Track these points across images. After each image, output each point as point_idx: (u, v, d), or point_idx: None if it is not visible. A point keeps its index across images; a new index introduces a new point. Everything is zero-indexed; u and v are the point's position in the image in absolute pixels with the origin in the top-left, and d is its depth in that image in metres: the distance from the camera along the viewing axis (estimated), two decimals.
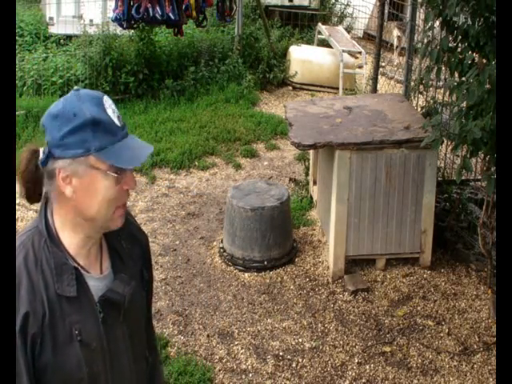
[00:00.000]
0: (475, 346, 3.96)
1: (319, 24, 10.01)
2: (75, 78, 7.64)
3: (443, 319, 4.20)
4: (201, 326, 4.13)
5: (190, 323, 4.17)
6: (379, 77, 6.30)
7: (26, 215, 5.31)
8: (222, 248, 4.91)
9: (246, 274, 4.68)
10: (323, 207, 5.07)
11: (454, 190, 5.13)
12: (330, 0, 11.56)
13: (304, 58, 9.12)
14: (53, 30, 9.46)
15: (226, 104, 7.91)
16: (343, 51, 8.71)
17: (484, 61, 3.23)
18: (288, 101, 8.13)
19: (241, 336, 4.05)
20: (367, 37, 11.46)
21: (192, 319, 4.21)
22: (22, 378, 1.50)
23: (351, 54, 9.49)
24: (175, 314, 4.25)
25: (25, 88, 7.48)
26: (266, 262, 4.70)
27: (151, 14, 6.89)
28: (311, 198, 5.66)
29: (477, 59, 3.50)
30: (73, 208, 1.59)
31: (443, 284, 4.54)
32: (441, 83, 5.47)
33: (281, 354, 3.91)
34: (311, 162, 5.70)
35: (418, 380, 3.71)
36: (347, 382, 3.71)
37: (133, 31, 7.88)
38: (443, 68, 3.82)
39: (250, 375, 3.74)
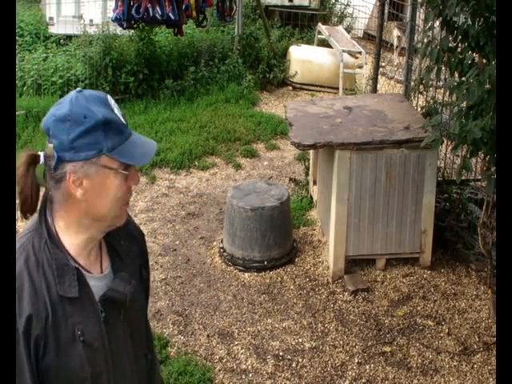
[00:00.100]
0: (475, 346, 3.96)
1: (319, 24, 10.01)
2: (75, 77, 7.64)
3: (443, 319, 4.20)
4: (201, 326, 4.14)
5: (190, 323, 4.17)
6: (379, 77, 6.30)
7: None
8: (222, 248, 4.91)
9: (246, 274, 4.68)
10: (323, 207, 5.07)
11: (454, 190, 5.13)
12: (330, 0, 11.56)
13: (304, 58, 9.12)
14: (53, 29, 9.46)
15: (225, 104, 7.91)
16: (343, 51, 8.71)
17: (484, 61, 3.23)
18: (288, 101, 8.13)
19: (241, 336, 4.05)
20: (367, 37, 11.46)
21: (192, 319, 4.21)
22: (26, 381, 1.50)
23: (351, 54, 9.49)
24: (175, 314, 4.25)
25: (25, 88, 7.48)
26: (266, 262, 4.70)
27: (151, 14, 6.89)
28: (311, 198, 5.66)
29: (477, 59, 3.50)
30: (82, 209, 1.59)
31: (443, 284, 4.54)
32: (441, 83, 5.47)
33: (281, 354, 3.91)
34: (311, 161, 5.70)
35: (418, 380, 3.71)
36: (347, 382, 3.71)
37: (133, 31, 7.88)
38: (443, 68, 3.82)
39: (250, 375, 3.74)
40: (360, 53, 9.15)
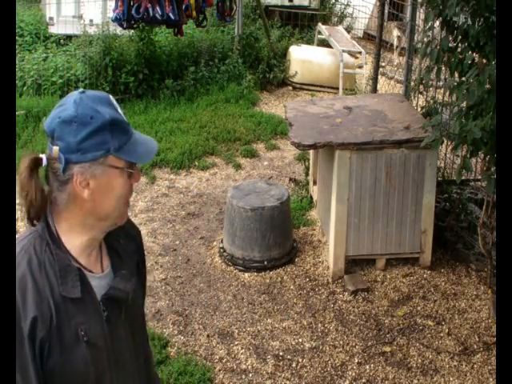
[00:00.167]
0: (475, 346, 3.96)
1: (319, 24, 10.01)
2: (75, 77, 7.64)
3: (443, 319, 4.20)
4: (201, 326, 4.14)
5: (190, 323, 4.17)
6: (379, 77, 6.30)
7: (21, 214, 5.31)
8: (222, 248, 4.91)
9: (246, 274, 4.68)
10: (323, 207, 5.07)
11: (454, 190, 5.13)
12: (330, 0, 11.56)
13: (304, 58, 9.13)
14: (53, 29, 9.46)
15: (225, 104, 7.91)
16: (343, 51, 8.71)
17: (484, 61, 3.23)
18: (288, 101, 8.13)
19: (241, 336, 4.05)
20: (367, 37, 11.46)
21: (192, 319, 4.21)
22: (32, 383, 1.50)
23: (351, 54, 9.49)
24: (175, 314, 4.25)
25: (25, 88, 7.48)
26: (266, 262, 4.70)
27: (151, 14, 6.89)
28: (311, 197, 5.66)
29: (477, 59, 3.50)
30: (87, 210, 1.60)
31: (443, 284, 4.54)
32: (441, 83, 5.47)
33: (281, 354, 3.91)
34: (311, 161, 5.70)
35: (418, 380, 3.71)
36: (347, 382, 3.71)
37: (133, 31, 7.88)
38: (443, 68, 3.82)
39: (250, 375, 3.74)
40: (360, 53, 9.15)
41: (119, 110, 1.61)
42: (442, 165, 5.37)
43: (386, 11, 9.13)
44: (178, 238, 5.17)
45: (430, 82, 5.18)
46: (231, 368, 3.80)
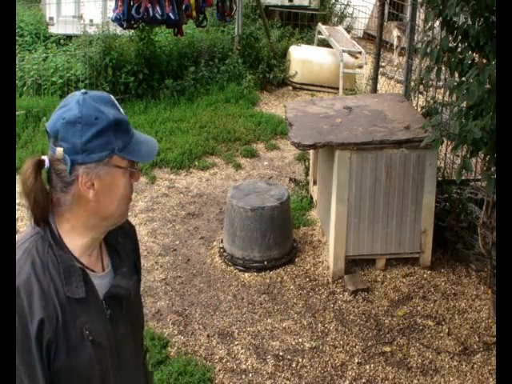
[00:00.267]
0: (475, 346, 3.96)
1: (319, 24, 10.01)
2: (75, 77, 7.64)
3: (443, 319, 4.20)
4: (201, 326, 4.14)
5: (190, 323, 4.17)
6: (379, 77, 6.30)
7: (26, 215, 5.31)
8: (222, 248, 4.91)
9: (246, 274, 4.68)
10: (323, 207, 5.07)
11: (454, 190, 5.13)
12: (330, 0, 11.56)
13: (304, 58, 9.13)
14: (53, 30, 9.46)
15: (225, 104, 7.91)
16: (343, 51, 8.71)
17: (484, 61, 3.23)
18: (288, 101, 8.13)
19: (241, 336, 4.05)
20: (367, 37, 11.46)
21: (192, 319, 4.21)
22: None
23: (351, 54, 9.49)
24: (175, 314, 4.25)
25: (25, 88, 7.48)
26: (266, 262, 4.70)
27: (151, 14, 6.89)
28: (311, 197, 5.66)
29: (477, 59, 3.50)
30: (91, 210, 1.60)
31: (443, 284, 4.54)
32: (441, 83, 5.47)
33: (281, 354, 3.91)
34: (311, 161, 5.70)
35: (418, 380, 3.71)
36: (347, 382, 3.71)
37: (133, 31, 7.88)
38: (443, 68, 3.82)
39: (250, 375, 3.74)
40: (360, 53, 9.15)
41: (121, 110, 1.62)
42: (442, 165, 5.37)
43: (386, 11, 9.13)
44: (177, 237, 5.17)
45: (430, 82, 5.18)
46: (231, 368, 3.80)
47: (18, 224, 5.07)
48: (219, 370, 3.77)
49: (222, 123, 7.33)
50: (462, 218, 4.95)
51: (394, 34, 9.96)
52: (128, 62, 7.81)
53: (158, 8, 6.89)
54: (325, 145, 4.39)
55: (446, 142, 4.42)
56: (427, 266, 4.66)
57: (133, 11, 6.84)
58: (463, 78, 3.51)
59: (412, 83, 5.55)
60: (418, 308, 4.30)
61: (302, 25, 10.63)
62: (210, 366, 3.79)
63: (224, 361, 3.85)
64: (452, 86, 3.55)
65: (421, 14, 5.80)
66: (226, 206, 4.86)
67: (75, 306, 1.57)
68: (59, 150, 1.54)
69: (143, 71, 7.84)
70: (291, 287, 4.53)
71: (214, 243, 5.09)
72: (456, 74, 3.71)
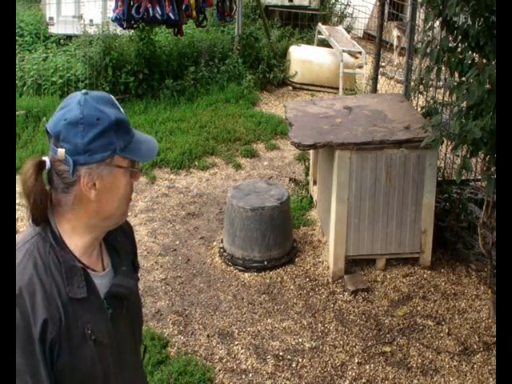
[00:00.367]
0: (475, 346, 3.96)
1: (319, 24, 10.01)
2: (75, 77, 7.64)
3: (443, 319, 4.20)
4: (201, 326, 4.14)
5: (190, 323, 4.17)
6: (379, 77, 6.30)
7: (26, 215, 5.31)
8: (222, 248, 4.91)
9: (246, 274, 4.68)
10: (323, 207, 5.07)
11: (454, 190, 5.13)
12: (330, 0, 11.56)
13: (304, 58, 9.13)
14: (53, 30, 9.46)
15: (225, 104, 7.91)
16: (343, 51, 8.71)
17: (484, 61, 3.23)
18: (288, 101, 8.13)
19: (241, 336, 4.05)
20: (367, 37, 11.46)
21: (192, 319, 4.21)
22: None
23: (351, 54, 9.49)
24: (175, 314, 4.25)
25: (25, 88, 7.48)
26: (266, 262, 4.70)
27: (151, 14, 6.89)
28: (311, 197, 5.66)
29: (477, 59, 3.50)
30: (92, 210, 1.61)
31: (443, 284, 4.54)
32: (441, 83, 5.47)
33: (281, 354, 3.91)
34: (311, 161, 5.70)
35: (418, 380, 3.71)
36: (347, 382, 3.71)
37: (133, 31, 7.88)
38: (443, 68, 3.82)
39: (250, 375, 3.74)
40: (360, 53, 9.15)
41: (122, 110, 1.63)
42: (442, 165, 5.37)
43: (386, 11, 9.14)
44: (177, 237, 5.17)
45: (430, 82, 5.18)
46: (231, 368, 3.80)
47: (18, 224, 5.07)
48: (219, 370, 3.77)
49: (222, 123, 7.33)
50: (462, 217, 4.95)
51: (393, 33, 9.96)
52: (128, 62, 7.81)
53: (157, 8, 6.89)
54: (325, 145, 4.39)
55: (446, 141, 4.43)
56: (427, 265, 4.66)
57: (133, 11, 6.84)
58: (463, 78, 3.51)
59: (412, 83, 5.55)
60: (418, 308, 4.30)
61: (302, 25, 10.63)
62: (210, 366, 3.79)
63: (224, 361, 3.85)
64: (452, 86, 3.55)
65: (421, 14, 5.80)
66: (226, 206, 4.86)
67: (77, 305, 1.57)
68: (61, 151, 1.54)
69: (143, 71, 7.84)
70: (291, 287, 4.53)
71: (214, 243, 5.09)
72: (456, 74, 3.71)
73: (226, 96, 8.05)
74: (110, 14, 7.59)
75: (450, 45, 3.66)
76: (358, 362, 3.84)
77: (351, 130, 4.53)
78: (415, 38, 5.53)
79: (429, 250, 4.62)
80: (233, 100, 8.01)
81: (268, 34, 9.15)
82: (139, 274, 1.94)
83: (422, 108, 5.02)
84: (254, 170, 6.48)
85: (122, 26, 7.19)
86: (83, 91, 1.60)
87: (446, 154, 5.36)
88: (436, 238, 4.66)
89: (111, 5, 7.87)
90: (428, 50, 3.67)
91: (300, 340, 4.02)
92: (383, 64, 8.61)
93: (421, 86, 5.31)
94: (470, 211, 4.99)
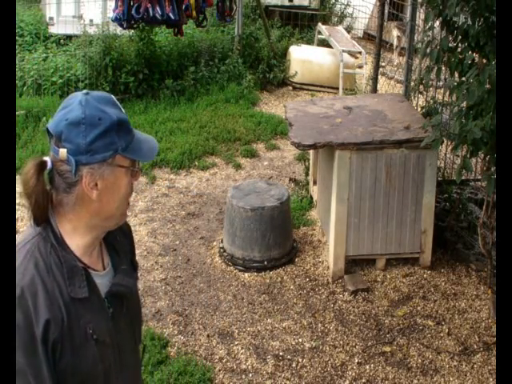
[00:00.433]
0: (475, 346, 3.96)
1: (319, 24, 10.01)
2: (75, 77, 7.64)
3: (443, 319, 4.20)
4: (201, 326, 4.14)
5: (190, 323, 4.17)
6: (379, 77, 6.30)
7: (26, 215, 5.31)
8: (222, 248, 4.91)
9: (246, 274, 4.68)
10: (323, 207, 5.07)
11: (454, 190, 5.13)
12: (330, 0, 11.56)
13: (304, 58, 9.13)
14: (53, 30, 9.46)
15: (225, 104, 7.91)
16: (343, 51, 8.71)
17: (484, 61, 3.23)
18: (288, 101, 8.13)
19: (241, 336, 4.05)
20: (367, 37, 11.46)
21: (192, 319, 4.21)
22: None
23: (351, 54, 9.49)
24: (175, 314, 4.25)
25: (25, 88, 7.48)
26: (266, 262, 4.70)
27: (151, 14, 6.89)
28: (311, 197, 5.66)
29: (477, 59, 3.50)
30: (93, 210, 1.61)
31: (443, 284, 4.54)
32: (441, 83, 5.47)
33: (281, 354, 3.91)
34: (311, 161, 5.70)
35: (418, 380, 3.71)
36: (347, 382, 3.71)
37: (133, 31, 7.88)
38: (443, 68, 3.82)
39: (250, 375, 3.74)
40: (360, 53, 9.15)
41: (123, 110, 1.63)
42: (442, 165, 5.37)
43: (386, 11, 9.14)
44: (177, 238, 5.17)
45: (430, 82, 5.18)
46: (231, 368, 3.80)
47: (18, 224, 5.07)
48: (219, 370, 3.77)
49: (222, 123, 7.33)
50: (462, 218, 4.95)
51: (393, 33, 9.96)
52: (128, 62, 7.81)
53: (157, 8, 6.89)
54: (325, 145, 4.39)
55: (446, 141, 4.43)
56: (427, 265, 4.66)
57: (133, 11, 6.84)
58: (463, 78, 3.51)
59: (412, 83, 5.55)
60: (418, 308, 4.30)
61: (302, 25, 10.63)
62: (210, 365, 3.79)
63: (224, 361, 3.85)
64: (452, 86, 3.55)
65: (421, 14, 5.80)
66: (226, 206, 4.86)
67: (79, 305, 1.58)
68: (62, 151, 1.54)
69: (143, 71, 7.84)
70: (291, 287, 4.53)
71: (214, 243, 5.09)
72: (456, 74, 3.71)
73: (226, 96, 8.05)
74: (110, 14, 7.59)
75: (450, 45, 3.66)
76: (357, 362, 3.84)
77: (351, 130, 4.53)
78: (415, 38, 5.53)
79: (429, 249, 4.62)
80: (233, 100, 8.01)
81: (268, 33, 9.15)
82: (139, 274, 1.95)
83: (422, 108, 5.02)
84: (254, 169, 6.48)
85: (122, 26, 7.19)
86: (84, 91, 1.60)
87: (445, 154, 5.36)
88: (436, 238, 4.66)
89: (111, 5, 7.87)
90: (428, 50, 3.67)
91: (300, 340, 4.02)
92: (383, 64, 8.61)
93: (421, 86, 5.31)
94: (470, 211, 4.99)
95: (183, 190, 5.98)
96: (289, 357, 3.88)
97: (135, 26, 7.45)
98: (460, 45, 3.68)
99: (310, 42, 10.18)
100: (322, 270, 4.70)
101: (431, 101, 4.99)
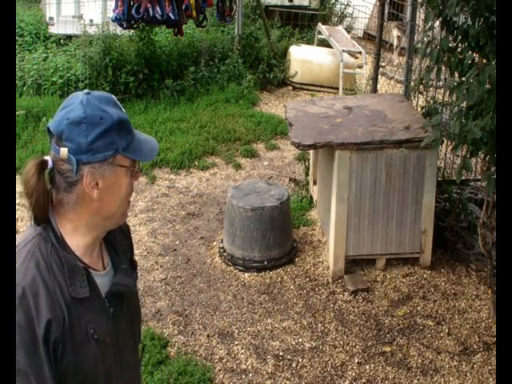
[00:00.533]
0: (475, 346, 3.96)
1: (319, 24, 10.01)
2: (75, 77, 7.64)
3: (443, 319, 4.20)
4: (201, 326, 4.14)
5: (190, 323, 4.17)
6: (379, 77, 6.30)
7: (26, 215, 5.31)
8: (222, 248, 4.91)
9: (246, 274, 4.68)
10: (323, 207, 5.07)
11: (454, 190, 5.13)
12: (330, 0, 11.56)
13: (304, 58, 9.13)
14: (53, 30, 9.46)
15: (225, 104, 7.91)
16: (343, 51, 8.71)
17: (484, 61, 3.23)
18: (288, 101, 8.13)
19: (241, 336, 4.05)
20: (367, 37, 11.46)
21: (192, 319, 4.21)
22: None
23: (351, 54, 9.49)
24: (175, 314, 4.25)
25: (25, 88, 7.48)
26: (266, 262, 4.70)
27: (151, 14, 6.89)
28: (311, 197, 5.66)
29: (477, 59, 3.50)
30: (94, 210, 1.61)
31: (443, 284, 4.54)
32: (441, 83, 5.47)
33: (281, 353, 3.91)
34: (311, 161, 5.70)
35: (418, 380, 3.71)
36: (347, 382, 3.71)
37: (133, 31, 7.88)
38: (443, 68, 3.82)
39: (250, 375, 3.74)
40: (360, 53, 9.15)
41: (123, 110, 1.63)
42: (442, 165, 5.37)
43: (386, 11, 9.14)
44: (177, 237, 5.17)
45: (430, 82, 5.18)
46: (231, 368, 3.80)
47: (18, 224, 5.07)
48: (219, 370, 3.77)
49: (222, 123, 7.33)
50: (462, 217, 4.95)
51: (393, 33, 9.96)
52: (128, 62, 7.81)
53: (157, 8, 6.89)
54: (325, 145, 4.39)
55: (446, 141, 4.42)
56: (427, 265, 4.66)
57: (133, 11, 6.84)
58: (463, 78, 3.51)
59: (412, 83, 5.55)
60: (418, 308, 4.30)
61: (302, 25, 10.63)
62: (210, 365, 3.79)
63: (224, 361, 3.85)
64: (452, 86, 3.55)
65: (421, 14, 5.80)
66: (226, 206, 4.86)
67: (80, 305, 1.58)
68: (64, 151, 1.54)
69: (143, 71, 7.84)
70: (291, 287, 4.53)
71: (214, 243, 5.09)
72: (456, 74, 3.71)
73: (226, 96, 8.05)
74: (110, 14, 7.59)
75: (450, 45, 3.66)
76: (358, 362, 3.84)
77: (351, 130, 4.53)
78: (415, 38, 5.53)
79: (429, 249, 4.62)
80: (233, 100, 8.01)
81: (268, 33, 9.15)
82: (139, 274, 1.95)
83: (422, 108, 5.02)
84: (254, 169, 6.48)
85: (122, 26, 7.19)
86: (85, 91, 1.60)
87: (446, 154, 5.36)
88: (436, 238, 4.66)
89: (111, 5, 7.87)
90: (428, 50, 3.67)
91: (300, 340, 4.02)
92: (383, 64, 8.61)
93: (421, 86, 5.31)
94: (470, 211, 4.99)
95: (183, 190, 5.98)
96: (289, 357, 3.88)
97: (135, 25, 7.45)
98: (460, 45, 3.68)
99: (309, 42, 10.18)
100: (322, 270, 4.70)
101: (431, 101, 4.99)
